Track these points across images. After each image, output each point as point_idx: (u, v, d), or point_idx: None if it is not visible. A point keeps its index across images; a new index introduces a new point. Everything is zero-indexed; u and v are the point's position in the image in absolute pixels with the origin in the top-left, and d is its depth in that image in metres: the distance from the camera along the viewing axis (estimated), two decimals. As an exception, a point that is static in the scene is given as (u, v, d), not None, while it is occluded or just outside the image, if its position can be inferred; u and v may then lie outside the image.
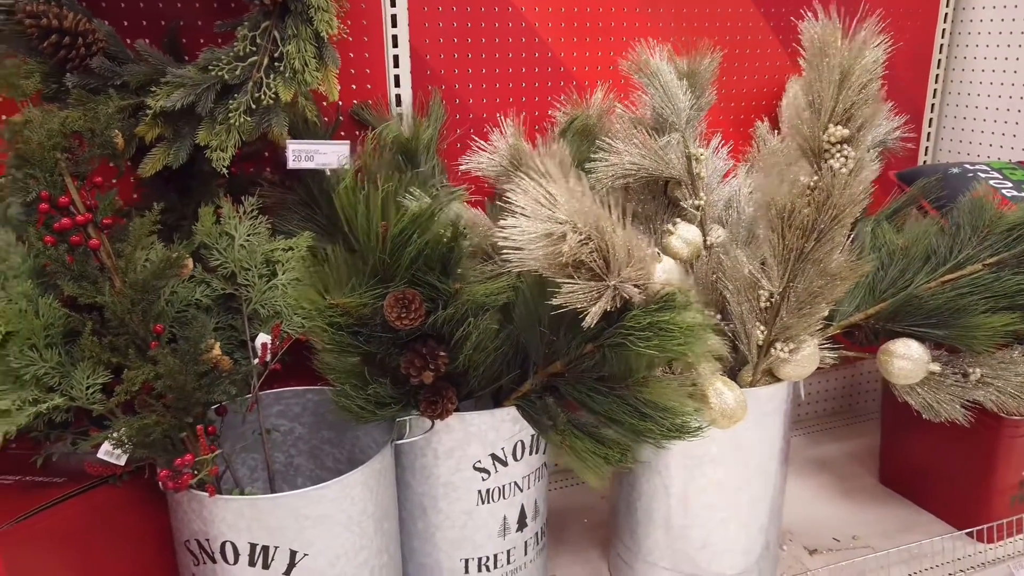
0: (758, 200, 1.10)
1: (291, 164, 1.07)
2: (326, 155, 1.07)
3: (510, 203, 0.81)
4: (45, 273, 0.90)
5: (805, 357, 1.10)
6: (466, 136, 1.46)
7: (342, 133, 1.38)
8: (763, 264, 1.10)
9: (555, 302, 0.79)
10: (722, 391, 1.04)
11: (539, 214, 0.79)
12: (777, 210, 1.00)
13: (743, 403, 1.05)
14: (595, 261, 0.77)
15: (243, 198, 1.15)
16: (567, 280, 0.79)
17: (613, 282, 0.78)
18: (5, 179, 0.88)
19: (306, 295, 0.87)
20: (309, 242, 1.18)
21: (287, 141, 1.07)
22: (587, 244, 0.76)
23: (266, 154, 1.32)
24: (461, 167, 1.23)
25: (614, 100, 1.43)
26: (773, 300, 1.08)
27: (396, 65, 1.39)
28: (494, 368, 1.04)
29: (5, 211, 0.88)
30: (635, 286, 0.77)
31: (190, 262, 1.01)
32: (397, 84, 1.40)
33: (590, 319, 0.79)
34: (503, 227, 0.82)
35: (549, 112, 1.51)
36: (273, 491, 1.08)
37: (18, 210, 0.91)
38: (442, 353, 0.98)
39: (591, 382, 0.89)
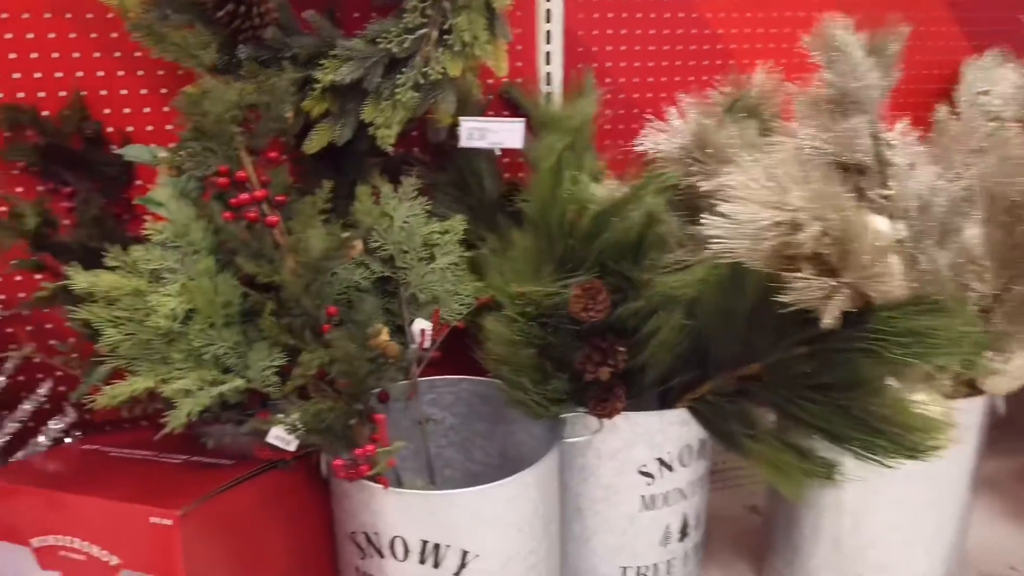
0: (971, 189, 0.98)
1: (464, 142, 1.02)
2: (498, 133, 1.01)
3: (724, 188, 0.73)
4: (221, 250, 0.87)
5: (1019, 368, 0.98)
6: (617, 118, 1.38)
7: (490, 113, 1.32)
8: (971, 263, 0.99)
9: (782, 299, 0.71)
10: (927, 403, 0.93)
11: (760, 199, 0.71)
12: (1004, 201, 0.88)
13: (950, 417, 0.94)
14: (832, 254, 0.68)
15: (401, 178, 1.10)
16: (794, 274, 0.70)
17: (853, 278, 0.69)
18: (181, 152, 0.85)
19: (492, 283, 0.81)
20: (464, 225, 1.13)
21: (461, 119, 1.02)
22: (825, 235, 0.67)
23: (414, 133, 1.27)
24: (636, 148, 1.15)
25: (780, 79, 1.33)
26: (985, 304, 0.97)
27: (548, 41, 1.32)
28: (669, 366, 0.96)
29: (183, 185, 0.86)
30: (878, 283, 0.68)
31: (359, 244, 0.97)
32: (548, 61, 1.33)
33: (828, 319, 0.70)
34: (711, 214, 0.74)
35: (707, 92, 1.41)
36: (432, 484, 1.04)
37: (195, 184, 0.88)
38: (622, 349, 0.91)
39: (802, 389, 0.81)
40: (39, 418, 1.06)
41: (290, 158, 1.16)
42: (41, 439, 1.05)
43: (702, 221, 0.76)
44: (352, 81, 0.99)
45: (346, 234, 0.95)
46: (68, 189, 1.08)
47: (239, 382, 0.82)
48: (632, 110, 1.41)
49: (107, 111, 1.13)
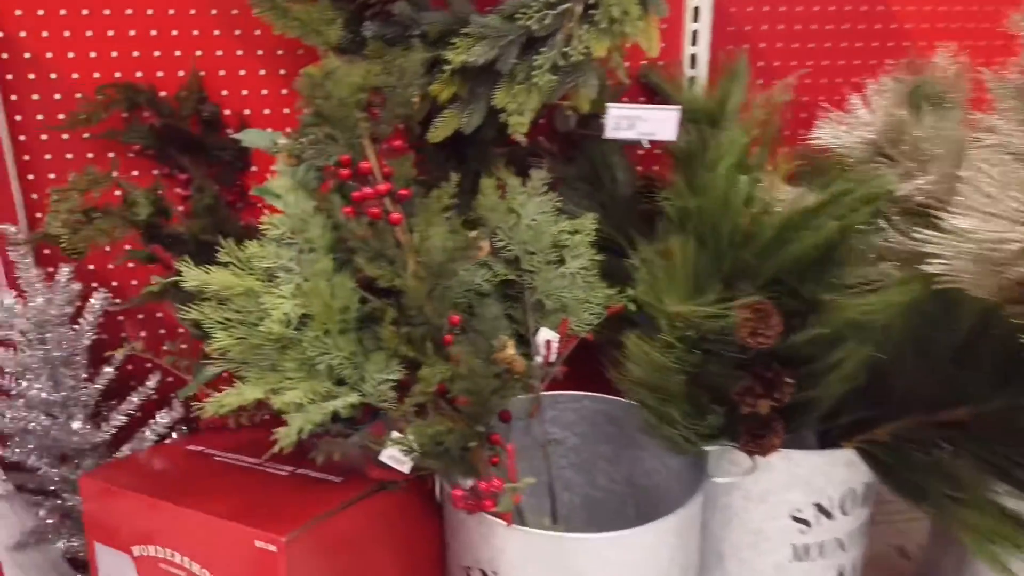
0: None
1: (609, 132, 0.90)
2: (650, 123, 0.89)
3: (959, 194, 0.57)
4: (339, 248, 0.78)
5: None
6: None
7: (625, 99, 1.19)
8: None
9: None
10: None
11: (1008, 213, 0.55)
12: None
13: None
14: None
15: (530, 170, 1.00)
16: (1047, 311, 0.55)
17: None
18: (301, 139, 0.77)
19: (643, 298, 0.69)
20: (595, 224, 1.01)
21: (608, 105, 0.89)
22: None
23: (540, 120, 1.16)
24: (812, 142, 1.00)
25: (967, 63, 1.13)
26: None
27: (696, 18, 1.18)
28: (839, 401, 0.82)
29: (302, 176, 0.78)
30: None
31: (486, 244, 0.87)
32: (694, 41, 1.19)
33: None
34: (929, 228, 0.60)
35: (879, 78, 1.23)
36: (554, 516, 0.93)
37: (315, 175, 0.80)
38: (790, 380, 0.77)
39: (1032, 448, 0.65)
40: (147, 410, 1.02)
41: (409, 147, 1.08)
42: (147, 433, 1.02)
43: (914, 236, 0.61)
44: (485, 62, 0.88)
45: (472, 233, 0.85)
46: (183, 175, 1.03)
47: (353, 397, 0.73)
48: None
49: (224, 92, 1.07)
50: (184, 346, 0.91)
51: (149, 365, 0.97)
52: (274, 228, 0.75)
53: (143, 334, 0.78)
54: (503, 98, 0.91)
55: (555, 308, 0.96)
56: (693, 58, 1.20)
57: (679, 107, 0.90)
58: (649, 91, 1.21)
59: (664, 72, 1.20)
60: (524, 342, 0.97)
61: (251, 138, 0.90)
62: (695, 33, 1.19)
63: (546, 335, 0.95)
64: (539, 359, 0.94)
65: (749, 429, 0.82)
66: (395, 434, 0.78)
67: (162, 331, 1.06)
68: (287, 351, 0.73)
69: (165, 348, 0.78)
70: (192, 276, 0.73)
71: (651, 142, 0.92)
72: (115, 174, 0.84)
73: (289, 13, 0.80)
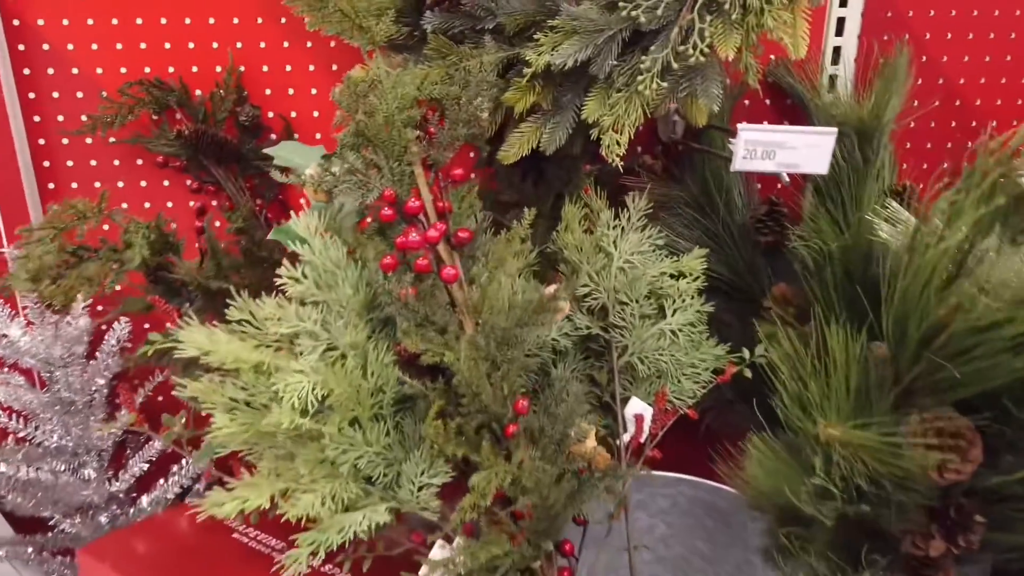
0: None
1: (738, 164, 0.69)
2: (794, 151, 0.67)
3: None
4: (374, 309, 0.61)
5: None
6: (933, 114, 0.98)
7: (746, 102, 0.97)
8: None
9: None
10: None
11: None
12: None
13: None
14: None
15: (626, 196, 0.80)
16: None
17: None
18: (336, 167, 0.60)
19: (787, 410, 0.49)
20: (703, 263, 0.80)
21: (740, 127, 0.68)
22: None
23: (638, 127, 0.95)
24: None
25: None
26: None
27: (843, 3, 0.94)
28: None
29: (335, 215, 0.61)
30: None
31: (567, 304, 0.68)
32: (839, 30, 0.95)
33: None
34: None
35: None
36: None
37: (354, 211, 0.63)
38: (980, 520, 0.55)
39: None
40: (167, 460, 0.89)
41: (475, 167, 0.89)
42: (169, 484, 0.89)
43: None
44: (575, 64, 0.69)
45: (550, 288, 0.66)
46: (213, 187, 0.88)
47: (383, 512, 0.56)
48: (954, 102, 0.99)
49: (268, 91, 0.91)
50: (184, 432, 0.74)
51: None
52: (295, 283, 0.58)
53: (135, 414, 0.63)
54: (595, 109, 0.71)
55: (650, 374, 0.77)
56: (836, 51, 0.96)
57: (835, 130, 0.67)
58: (775, 92, 0.98)
59: (798, 69, 0.96)
60: (607, 411, 0.79)
61: (286, 153, 0.73)
62: (840, 20, 0.95)
63: (637, 407, 0.76)
64: (626, 437, 0.75)
65: (911, 569, 0.61)
66: (438, 550, 0.61)
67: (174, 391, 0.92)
68: (303, 444, 0.57)
69: (164, 422, 0.63)
70: (191, 340, 0.58)
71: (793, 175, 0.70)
72: (104, 206, 0.68)
73: (328, 2, 0.63)
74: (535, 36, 0.69)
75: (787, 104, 0.98)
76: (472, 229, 0.65)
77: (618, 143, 0.71)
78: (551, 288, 0.66)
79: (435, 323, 0.60)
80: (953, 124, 1.01)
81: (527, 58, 0.69)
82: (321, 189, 0.59)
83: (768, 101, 0.98)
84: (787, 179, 0.68)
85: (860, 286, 0.80)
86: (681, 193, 0.90)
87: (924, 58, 0.97)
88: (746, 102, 0.98)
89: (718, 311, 0.85)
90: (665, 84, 0.69)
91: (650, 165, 0.91)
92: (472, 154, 0.91)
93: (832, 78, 0.97)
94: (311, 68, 0.91)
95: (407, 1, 0.71)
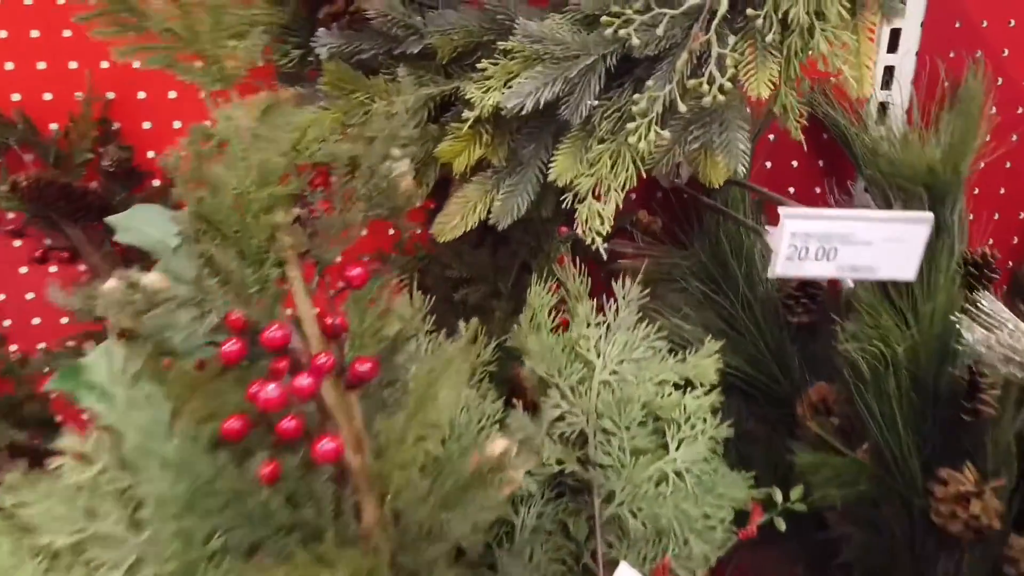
0: None
1: (780, 267, 0.46)
2: (873, 248, 0.45)
3: None
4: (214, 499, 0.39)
5: None
6: (1011, 151, 0.76)
7: (770, 136, 0.75)
8: None
9: None
10: None
11: None
12: None
13: None
14: None
15: (614, 278, 0.58)
16: None
17: None
18: (153, 278, 0.38)
19: None
20: (718, 363, 0.59)
21: (783, 213, 0.46)
22: None
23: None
24: None
25: None
26: None
27: (899, 10, 0.72)
28: None
29: (144, 352, 0.39)
30: None
31: (519, 474, 0.46)
32: (892, 47, 0.73)
33: None
34: None
35: None
36: None
37: (197, 332, 0.41)
38: None
39: None
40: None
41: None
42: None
43: None
44: (539, 105, 0.47)
45: (498, 443, 0.44)
46: (69, 253, 0.67)
47: None
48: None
49: (147, 125, 0.70)
50: None
51: None
52: (75, 468, 0.37)
53: None
54: (567, 168, 0.49)
55: (645, 533, 0.55)
56: (888, 72, 0.74)
57: (929, 216, 0.45)
58: (809, 122, 0.77)
59: (838, 93, 0.75)
60: (584, 571, 0.57)
61: (137, 223, 0.52)
62: (894, 33, 0.73)
63: (626, 574, 0.54)
64: (612, 621, 0.54)
65: None
66: None
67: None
68: None
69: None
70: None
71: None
72: None
73: (150, 17, 0.41)
74: (480, 65, 0.48)
75: (824, 140, 0.77)
76: (378, 357, 0.43)
77: (600, 217, 0.49)
78: (498, 444, 0.44)
79: (307, 523, 0.38)
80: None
81: (468, 96, 0.48)
82: (123, 315, 0.37)
83: (807, 143, 0.76)
84: (851, 286, 0.46)
85: (933, 400, 0.59)
86: (687, 261, 0.68)
87: (1000, 80, 0.75)
88: (771, 136, 0.76)
89: (735, 416, 0.65)
90: (667, 133, 0.47)
91: (646, 224, 0.69)
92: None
93: (883, 106, 0.75)
94: (203, 96, 0.69)
95: (298, 11, 0.49)
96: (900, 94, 0.74)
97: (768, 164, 0.77)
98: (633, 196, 0.75)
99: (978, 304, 0.53)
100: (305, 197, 0.44)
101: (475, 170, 0.52)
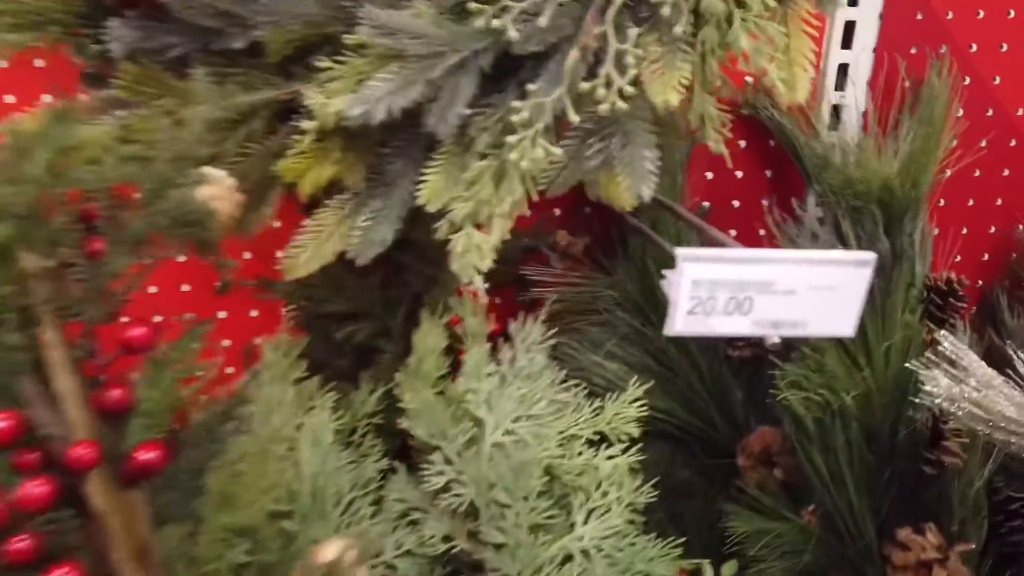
0: None
1: (679, 325, 0.37)
2: (798, 298, 0.34)
3: None
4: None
5: None
6: (981, 159, 0.67)
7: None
8: None
9: None
10: None
11: None
12: None
13: None
14: None
15: (514, 320, 0.49)
16: None
17: None
18: None
19: None
20: (639, 412, 0.50)
21: (680, 253, 0.36)
22: None
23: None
24: None
25: None
26: None
27: (852, 1, 0.64)
28: None
29: None
30: None
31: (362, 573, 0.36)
32: (846, 42, 0.65)
33: None
34: None
35: None
36: None
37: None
38: None
39: None
40: None
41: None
42: None
43: None
44: (395, 113, 0.37)
45: (331, 549, 0.35)
46: None
47: None
48: (1012, 142, 0.69)
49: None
50: None
51: None
52: None
53: None
54: (440, 190, 0.40)
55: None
56: (842, 70, 0.66)
57: (871, 256, 0.35)
58: (751, 127, 0.68)
59: (780, 102, 0.66)
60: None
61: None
62: (848, 25, 0.64)
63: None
64: None
65: None
66: None
67: None
68: None
69: None
70: None
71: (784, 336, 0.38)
72: None
73: None
74: (319, 61, 0.38)
75: (769, 147, 0.68)
76: (170, 440, 0.34)
77: (480, 250, 0.40)
78: (329, 549, 0.34)
79: None
80: (1006, 172, 0.71)
81: (311, 103, 0.38)
82: None
83: (742, 143, 0.68)
84: (776, 341, 0.37)
85: (890, 453, 0.51)
86: (611, 291, 0.59)
87: (967, 79, 0.67)
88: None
89: (666, 466, 0.57)
90: (558, 150, 0.38)
91: (565, 247, 0.60)
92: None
93: (836, 110, 0.67)
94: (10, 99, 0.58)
95: (94, -2, 0.39)
96: (855, 95, 0.65)
97: (710, 175, 0.68)
98: (557, 212, 0.66)
99: (939, 347, 0.45)
100: (80, 233, 0.34)
101: (331, 190, 0.42)
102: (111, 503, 0.32)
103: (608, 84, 0.37)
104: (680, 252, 0.34)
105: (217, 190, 0.36)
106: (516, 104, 0.38)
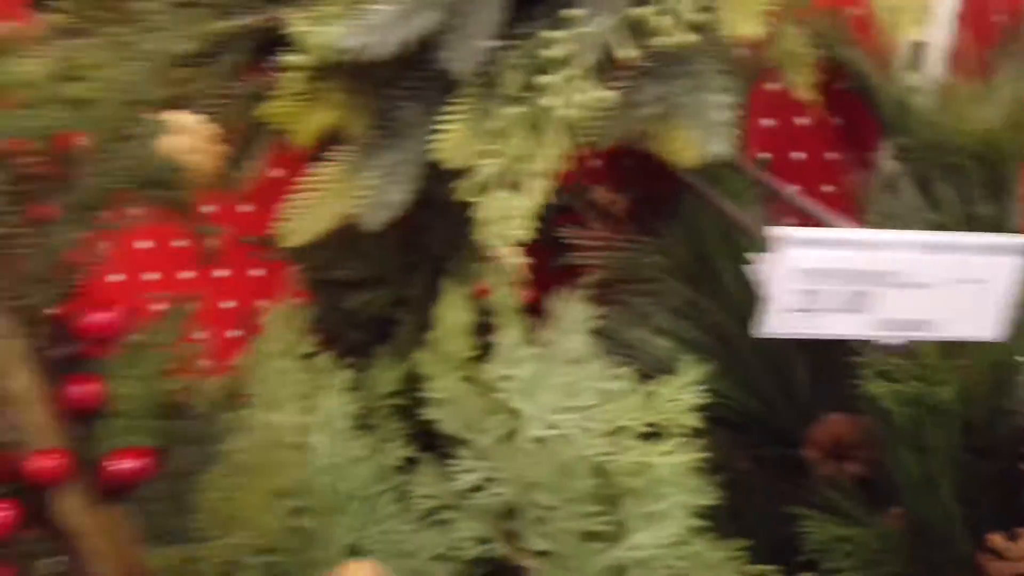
0: None
1: (772, 327, 0.29)
2: (929, 292, 0.27)
3: None
4: None
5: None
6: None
7: (767, 84, 0.58)
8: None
9: None
10: None
11: None
12: None
13: None
14: None
15: (558, 293, 0.42)
16: None
17: None
18: None
19: None
20: (701, 398, 0.43)
21: (779, 233, 0.28)
22: None
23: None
24: None
25: None
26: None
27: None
28: None
29: None
30: None
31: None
32: (934, -30, 0.56)
33: None
34: None
35: None
36: None
37: None
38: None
39: None
40: None
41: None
42: None
43: None
44: (408, 47, 0.30)
45: (360, 566, 0.29)
46: None
47: None
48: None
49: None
50: None
51: None
52: None
53: None
54: (459, 145, 0.33)
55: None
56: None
57: (1020, 243, 0.27)
58: (820, 68, 0.59)
59: (858, 29, 0.57)
60: None
61: None
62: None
63: None
64: None
65: None
66: None
67: None
68: None
69: None
70: None
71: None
72: None
73: None
74: (313, -15, 0.31)
75: (839, 93, 0.59)
76: (155, 446, 0.28)
77: (514, 218, 0.33)
78: (352, 570, 0.28)
79: None
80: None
81: (293, 32, 0.31)
82: None
83: (833, 106, 0.59)
84: (899, 345, 0.30)
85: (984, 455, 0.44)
86: (661, 257, 0.52)
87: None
88: (768, 85, 0.59)
89: (724, 456, 0.50)
90: (610, 94, 0.31)
91: (605, 204, 0.52)
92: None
93: (917, 47, 0.58)
94: None
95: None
96: (941, 33, 0.56)
97: (768, 122, 0.60)
98: (597, 187, 0.59)
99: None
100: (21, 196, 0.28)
101: (332, 142, 0.36)
102: (88, 522, 0.26)
103: (671, 12, 0.30)
104: (779, 233, 0.26)
105: (191, 140, 0.29)
106: (552, 34, 0.30)
